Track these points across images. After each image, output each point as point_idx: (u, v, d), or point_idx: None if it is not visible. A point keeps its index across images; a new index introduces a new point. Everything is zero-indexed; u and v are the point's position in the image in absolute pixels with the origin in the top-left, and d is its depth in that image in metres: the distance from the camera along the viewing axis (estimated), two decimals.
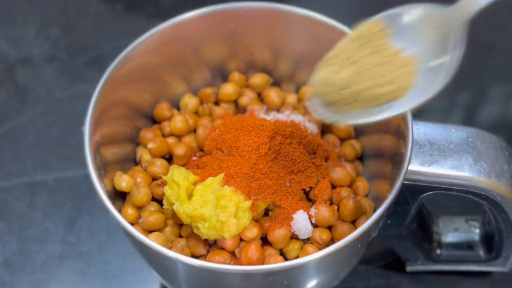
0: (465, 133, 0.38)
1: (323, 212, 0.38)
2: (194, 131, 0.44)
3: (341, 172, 0.40)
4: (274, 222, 0.38)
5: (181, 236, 0.39)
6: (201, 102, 0.45)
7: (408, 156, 0.36)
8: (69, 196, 0.52)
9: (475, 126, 0.39)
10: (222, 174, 0.38)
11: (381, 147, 0.42)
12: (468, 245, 0.45)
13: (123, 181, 0.40)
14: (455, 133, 0.38)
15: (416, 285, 0.47)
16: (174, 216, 0.38)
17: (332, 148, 0.43)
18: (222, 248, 0.38)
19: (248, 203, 0.37)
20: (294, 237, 0.38)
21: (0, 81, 0.59)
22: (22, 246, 0.49)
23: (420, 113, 0.56)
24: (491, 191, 0.38)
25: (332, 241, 0.39)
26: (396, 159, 0.38)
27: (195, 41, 0.44)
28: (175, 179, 0.37)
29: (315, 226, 0.38)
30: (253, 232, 0.37)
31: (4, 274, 0.48)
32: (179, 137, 0.43)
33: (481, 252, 0.45)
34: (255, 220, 0.38)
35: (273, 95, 0.44)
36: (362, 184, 0.41)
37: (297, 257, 0.38)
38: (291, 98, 0.45)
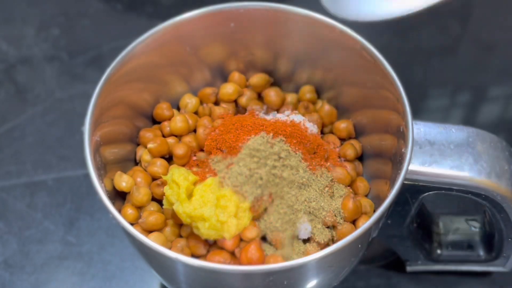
0: (465, 133, 0.38)
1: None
2: (194, 131, 0.44)
3: (341, 172, 0.40)
4: None
5: (181, 236, 0.39)
6: (201, 102, 0.45)
7: (408, 156, 0.36)
8: (69, 196, 0.52)
9: (475, 126, 0.39)
10: None
11: (381, 147, 0.42)
12: (468, 245, 0.45)
13: (123, 181, 0.40)
14: (455, 133, 0.38)
15: (416, 285, 0.47)
16: (174, 216, 0.38)
17: (332, 148, 0.43)
18: (222, 248, 0.38)
19: (248, 203, 0.37)
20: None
21: (0, 81, 0.59)
22: (22, 246, 0.49)
23: (420, 113, 0.56)
24: (491, 191, 0.38)
25: (332, 241, 0.39)
26: (396, 159, 0.38)
27: (195, 41, 0.44)
28: (175, 179, 0.37)
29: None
30: (253, 232, 0.37)
31: (4, 274, 0.48)
32: (179, 137, 0.43)
33: (481, 252, 0.45)
34: (255, 220, 0.38)
35: (273, 95, 0.44)
36: (362, 184, 0.41)
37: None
38: (291, 98, 0.45)
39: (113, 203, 0.36)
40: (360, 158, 0.44)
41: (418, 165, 0.37)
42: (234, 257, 0.37)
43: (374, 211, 0.40)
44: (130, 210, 0.39)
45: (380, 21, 0.28)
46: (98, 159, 0.38)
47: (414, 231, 0.44)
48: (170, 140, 0.43)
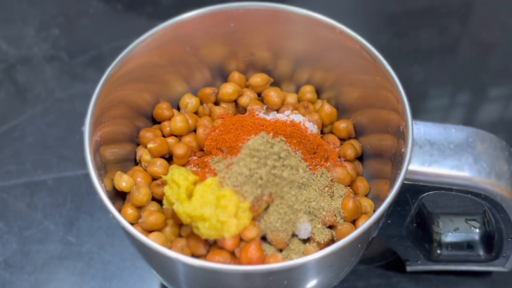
0: (465, 133, 0.38)
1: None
2: (194, 131, 0.44)
3: (341, 172, 0.40)
4: None
5: (181, 236, 0.39)
6: (201, 102, 0.45)
7: (408, 156, 0.36)
8: (69, 196, 0.52)
9: (475, 126, 0.39)
10: None
11: (381, 147, 0.42)
12: (468, 245, 0.45)
13: (123, 181, 0.40)
14: (455, 133, 0.38)
15: (416, 285, 0.47)
16: (174, 216, 0.38)
17: (332, 148, 0.43)
18: (222, 248, 0.38)
19: (248, 203, 0.37)
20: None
21: (0, 81, 0.59)
22: (22, 246, 0.49)
23: (420, 113, 0.56)
24: (491, 191, 0.38)
25: (332, 240, 0.39)
26: (396, 159, 0.38)
27: (195, 41, 0.44)
28: (175, 179, 0.37)
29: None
30: (253, 232, 0.37)
31: (4, 274, 0.48)
32: (179, 137, 0.43)
33: (481, 252, 0.44)
34: (255, 220, 0.38)
35: (273, 95, 0.44)
36: (362, 184, 0.41)
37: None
38: (291, 98, 0.45)
39: (113, 203, 0.36)
40: (360, 158, 0.44)
41: (418, 165, 0.37)
42: (234, 257, 0.37)
43: (374, 211, 0.40)
44: (130, 210, 0.39)
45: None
46: (98, 159, 0.38)
47: (414, 231, 0.44)
48: (170, 140, 0.43)
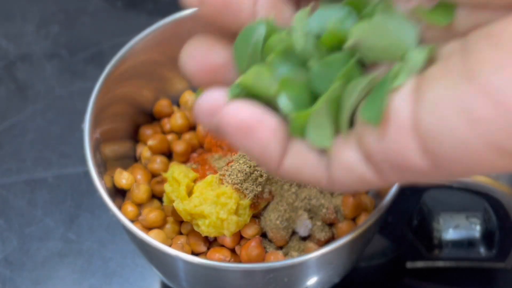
0: None
1: None
2: (194, 128, 0.44)
3: None
4: None
5: (181, 233, 0.39)
6: None
7: None
8: (69, 193, 0.52)
9: None
10: None
11: None
12: (469, 242, 0.45)
13: (123, 178, 0.40)
14: None
15: (417, 282, 0.47)
16: (174, 213, 0.38)
17: None
18: (222, 245, 0.38)
19: (248, 201, 0.37)
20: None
21: (0, 78, 0.59)
22: (22, 243, 0.49)
23: None
24: (491, 188, 0.37)
25: (332, 238, 0.39)
26: None
27: None
28: (175, 176, 0.37)
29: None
30: (253, 229, 0.37)
31: (4, 272, 0.48)
32: (179, 134, 0.43)
33: (482, 249, 0.44)
34: (255, 217, 0.38)
35: None
36: None
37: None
38: None
39: (113, 200, 0.36)
40: None
41: None
42: (234, 254, 0.37)
43: (375, 208, 0.40)
44: (130, 207, 0.39)
45: None
46: (98, 156, 0.38)
47: (414, 228, 0.44)
48: (170, 137, 0.43)
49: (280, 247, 0.38)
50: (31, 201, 0.51)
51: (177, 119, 0.43)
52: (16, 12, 0.64)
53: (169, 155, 0.42)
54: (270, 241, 0.38)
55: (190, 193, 0.37)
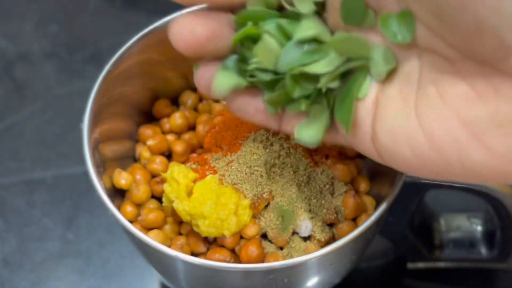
0: None
1: None
2: (194, 128, 0.43)
3: (342, 170, 0.40)
4: None
5: (180, 234, 0.39)
6: (201, 99, 0.45)
7: None
8: (68, 194, 0.52)
9: None
10: None
11: None
12: (470, 243, 0.45)
13: (122, 178, 0.40)
14: None
15: (417, 283, 0.46)
16: (173, 213, 0.38)
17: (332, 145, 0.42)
18: (222, 246, 0.37)
19: (248, 201, 0.37)
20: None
21: None
22: (21, 243, 0.49)
23: None
24: (492, 188, 0.37)
25: (333, 238, 0.38)
26: None
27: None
28: (174, 177, 0.37)
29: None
30: (253, 229, 0.37)
31: (3, 272, 0.48)
32: (178, 134, 0.43)
33: (483, 250, 0.44)
34: (255, 217, 0.38)
35: None
36: (363, 182, 0.41)
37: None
38: None
39: (112, 201, 0.36)
40: (361, 155, 0.44)
41: None
42: (234, 255, 0.37)
43: (375, 208, 0.40)
44: (129, 208, 0.39)
45: None
46: (97, 156, 0.38)
47: (415, 229, 0.44)
48: (170, 137, 0.43)
49: (280, 248, 0.38)
50: (30, 201, 0.51)
51: (177, 119, 0.43)
52: (14, 11, 0.64)
53: (168, 155, 0.42)
54: (270, 241, 0.38)
55: (189, 193, 0.37)
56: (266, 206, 0.38)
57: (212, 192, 0.36)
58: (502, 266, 0.44)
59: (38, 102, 0.57)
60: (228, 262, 0.37)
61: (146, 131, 0.43)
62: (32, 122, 0.56)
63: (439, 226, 0.45)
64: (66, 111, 0.57)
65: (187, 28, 0.29)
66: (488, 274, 0.47)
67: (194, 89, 0.46)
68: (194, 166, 0.40)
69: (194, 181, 0.38)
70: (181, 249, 0.37)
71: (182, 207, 0.36)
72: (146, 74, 0.43)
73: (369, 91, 0.28)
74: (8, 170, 0.53)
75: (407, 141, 0.26)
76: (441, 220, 0.45)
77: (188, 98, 0.45)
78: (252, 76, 0.30)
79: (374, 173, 0.42)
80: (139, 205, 0.40)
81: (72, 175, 0.53)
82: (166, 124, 0.43)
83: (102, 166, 0.39)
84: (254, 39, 0.30)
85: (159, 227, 0.39)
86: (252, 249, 0.36)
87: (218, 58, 0.31)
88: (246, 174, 0.37)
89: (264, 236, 0.38)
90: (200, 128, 0.42)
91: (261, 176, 0.37)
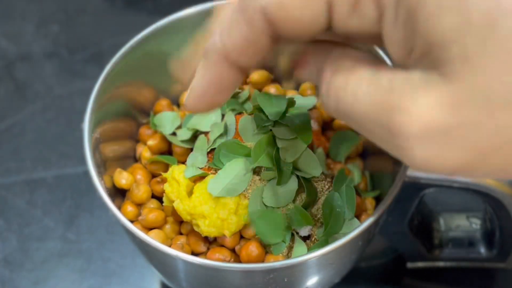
0: None
1: None
2: None
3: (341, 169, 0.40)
4: None
5: (181, 234, 0.39)
6: None
7: None
8: (69, 193, 0.52)
9: None
10: None
11: None
12: (469, 242, 0.45)
13: (122, 178, 0.40)
14: None
15: (417, 282, 0.47)
16: (174, 213, 0.38)
17: None
18: (222, 246, 0.38)
19: (248, 201, 0.37)
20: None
21: (0, 77, 0.59)
22: (22, 243, 0.49)
23: None
24: (492, 188, 0.37)
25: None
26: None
27: (195, 38, 0.44)
28: (175, 176, 0.37)
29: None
30: (253, 229, 0.37)
31: (4, 272, 0.48)
32: None
33: (482, 249, 0.44)
34: None
35: (273, 91, 0.44)
36: (363, 181, 0.41)
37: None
38: (292, 95, 0.45)
39: (113, 200, 0.36)
40: (361, 155, 0.44)
41: None
42: (234, 254, 0.37)
43: (375, 208, 0.40)
44: (130, 208, 0.39)
45: None
46: (97, 156, 0.38)
47: (415, 228, 0.44)
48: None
49: None
50: (31, 201, 0.51)
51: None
52: (15, 11, 0.64)
53: (169, 155, 0.42)
54: None
55: (190, 193, 0.37)
56: None
57: None
58: (501, 266, 0.44)
59: (38, 102, 0.57)
60: (228, 261, 0.37)
61: (147, 131, 0.43)
62: (32, 122, 0.56)
63: (439, 225, 0.45)
64: (66, 111, 0.57)
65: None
66: (487, 273, 0.47)
67: None
68: None
69: (195, 181, 0.38)
70: (182, 249, 0.37)
71: (183, 206, 0.36)
72: (146, 74, 0.43)
73: None
74: (9, 170, 0.53)
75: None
76: (441, 219, 0.45)
77: None
78: None
79: (374, 173, 0.42)
80: (139, 205, 0.40)
81: (73, 175, 0.53)
82: None
83: (103, 166, 0.39)
84: None
85: (159, 227, 0.39)
86: (252, 249, 0.36)
87: None
88: None
89: None
90: None
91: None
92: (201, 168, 0.38)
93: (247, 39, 0.26)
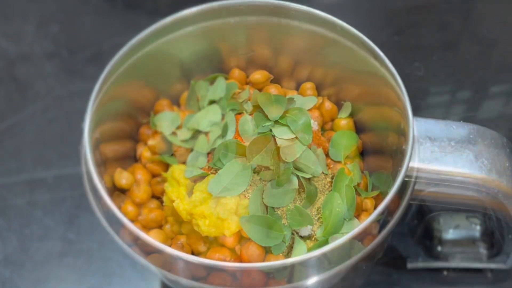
0: (466, 129, 0.38)
1: None
2: None
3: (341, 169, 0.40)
4: None
5: (181, 233, 0.39)
6: None
7: (408, 153, 0.36)
8: (69, 193, 0.52)
9: (476, 122, 0.39)
10: None
11: (381, 144, 0.41)
12: (469, 242, 0.45)
13: (123, 178, 0.40)
14: (456, 129, 0.38)
15: (417, 282, 0.47)
16: (174, 213, 0.38)
17: None
18: (222, 245, 0.38)
19: (248, 201, 0.37)
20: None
21: (0, 78, 0.59)
22: (22, 243, 0.49)
23: (420, 110, 0.56)
24: (492, 188, 0.37)
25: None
26: (396, 156, 0.38)
27: (195, 38, 0.44)
28: (175, 176, 0.37)
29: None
30: None
31: (4, 271, 0.48)
32: None
33: (482, 249, 0.44)
34: None
35: (273, 91, 0.44)
36: (362, 181, 0.41)
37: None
38: (292, 95, 0.45)
39: (113, 200, 0.36)
40: (361, 155, 0.44)
41: (419, 162, 0.37)
42: (234, 254, 0.37)
43: (375, 208, 0.40)
44: (130, 207, 0.39)
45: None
46: (98, 156, 0.38)
47: (415, 228, 0.44)
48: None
49: None
50: (31, 201, 0.51)
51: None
52: (16, 12, 0.64)
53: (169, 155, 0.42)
54: None
55: (190, 193, 0.37)
56: None
57: None
58: (501, 266, 0.44)
59: (39, 102, 0.57)
60: (229, 261, 0.37)
61: (147, 131, 0.43)
62: (33, 122, 0.56)
63: (438, 225, 0.45)
64: (67, 111, 0.57)
65: None
66: (487, 273, 0.47)
67: None
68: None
69: (195, 181, 0.38)
70: (182, 249, 0.37)
71: (183, 206, 0.36)
72: (146, 75, 0.43)
73: None
74: (9, 170, 0.53)
75: None
76: (440, 219, 0.45)
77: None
78: None
79: (374, 173, 0.42)
80: (139, 205, 0.40)
81: (73, 174, 0.53)
82: None
83: (103, 165, 0.39)
84: None
85: (159, 227, 0.39)
86: (252, 249, 0.36)
87: None
88: None
89: None
90: None
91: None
92: (201, 168, 0.38)
93: None
